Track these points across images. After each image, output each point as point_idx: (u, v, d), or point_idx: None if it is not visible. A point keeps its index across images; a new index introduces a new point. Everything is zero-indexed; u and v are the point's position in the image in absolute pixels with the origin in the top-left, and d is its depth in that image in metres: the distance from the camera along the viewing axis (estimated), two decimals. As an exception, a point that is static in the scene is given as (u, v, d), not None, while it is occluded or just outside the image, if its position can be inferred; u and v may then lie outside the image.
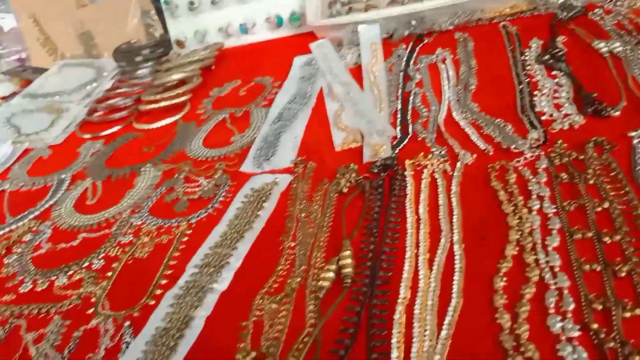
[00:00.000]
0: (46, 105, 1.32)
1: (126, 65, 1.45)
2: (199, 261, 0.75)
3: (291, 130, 1.02)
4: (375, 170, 0.86)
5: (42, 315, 0.74)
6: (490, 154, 0.83)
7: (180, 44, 1.51)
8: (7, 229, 0.94)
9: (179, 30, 1.52)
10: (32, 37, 1.63)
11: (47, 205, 0.98)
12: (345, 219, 0.77)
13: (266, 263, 0.73)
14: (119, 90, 1.35)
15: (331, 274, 0.67)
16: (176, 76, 1.28)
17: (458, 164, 0.82)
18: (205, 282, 0.71)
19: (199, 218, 0.85)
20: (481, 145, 0.85)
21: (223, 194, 0.89)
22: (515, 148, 0.81)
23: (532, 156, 0.79)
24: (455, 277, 0.64)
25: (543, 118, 0.86)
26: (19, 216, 0.97)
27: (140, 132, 1.18)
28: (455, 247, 0.68)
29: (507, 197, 0.73)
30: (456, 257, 0.67)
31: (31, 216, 0.96)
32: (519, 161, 0.79)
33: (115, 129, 1.22)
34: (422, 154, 0.86)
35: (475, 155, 0.83)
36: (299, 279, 0.69)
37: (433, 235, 0.71)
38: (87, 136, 1.21)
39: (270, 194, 0.85)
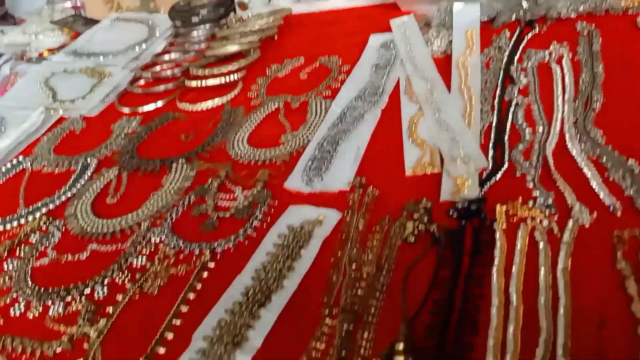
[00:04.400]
0: (88, 67, 1.19)
1: (181, 25, 1.29)
2: (210, 331, 0.58)
3: (354, 137, 0.82)
4: (455, 216, 0.65)
5: (27, 356, 0.61)
6: (618, 214, 0.60)
7: (242, 5, 1.32)
8: (15, 223, 0.82)
9: (243, -12, 1.33)
10: (88, -17, 1.49)
11: (64, 198, 0.85)
12: (408, 284, 0.58)
13: (296, 338, 0.56)
14: (167, 57, 1.19)
15: (378, 378, 0.49)
16: (232, 48, 1.11)
17: (570, 224, 0.60)
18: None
19: (226, 246, 0.69)
20: (605, 198, 0.62)
21: (260, 217, 0.72)
22: (657, 213, 0.58)
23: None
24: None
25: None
26: (32, 208, 0.84)
27: (182, 113, 1.02)
28: (559, 361, 0.48)
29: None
30: (559, 381, 0.47)
31: (45, 209, 0.83)
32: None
33: (158, 104, 1.06)
34: (519, 199, 0.65)
35: (595, 214, 0.61)
36: (337, 372, 0.52)
37: (528, 333, 0.51)
38: (126, 110, 1.06)
39: (310, 237, 0.67)
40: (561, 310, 0.53)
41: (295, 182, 0.77)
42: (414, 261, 0.60)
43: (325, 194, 0.74)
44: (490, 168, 0.71)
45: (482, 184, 0.69)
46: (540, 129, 0.76)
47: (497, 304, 0.54)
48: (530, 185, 0.67)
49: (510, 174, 0.70)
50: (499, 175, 0.70)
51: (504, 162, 0.72)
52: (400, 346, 0.50)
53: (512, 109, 0.81)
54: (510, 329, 0.52)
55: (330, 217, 0.70)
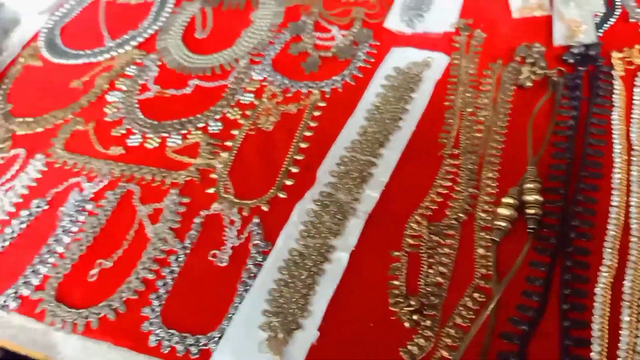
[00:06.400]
0: None
1: None
2: (335, 167, 0.61)
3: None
4: (571, 61, 0.66)
5: (157, 184, 0.64)
6: None
7: None
8: (107, 55, 0.81)
9: None
10: None
11: (151, 31, 0.83)
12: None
13: (421, 176, 0.59)
14: None
15: (511, 212, 0.53)
16: None
17: (690, 72, 0.61)
18: (345, 200, 0.58)
19: (334, 86, 0.70)
20: None
21: (363, 58, 0.72)
22: None
23: None
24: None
25: None
26: (121, 40, 0.82)
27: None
28: (683, 201, 0.52)
29: None
30: (684, 218, 0.51)
31: (134, 42, 0.82)
32: None
33: None
34: (636, 47, 0.64)
35: None
36: (467, 206, 0.56)
37: (650, 176, 0.55)
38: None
39: (420, 80, 0.67)
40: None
41: (394, 22, 0.75)
42: (536, 106, 0.62)
43: (429, 36, 0.73)
44: (602, 12, 0.70)
45: (596, 28, 0.68)
46: (655, -27, 0.73)
47: (619, 147, 0.57)
48: (646, 32, 0.66)
49: (622, 20, 0.69)
50: (612, 20, 0.69)
51: (615, 7, 0.70)
52: (532, 187, 0.54)
53: (623, -51, 0.77)
54: (634, 170, 0.55)
55: (438, 59, 0.70)
